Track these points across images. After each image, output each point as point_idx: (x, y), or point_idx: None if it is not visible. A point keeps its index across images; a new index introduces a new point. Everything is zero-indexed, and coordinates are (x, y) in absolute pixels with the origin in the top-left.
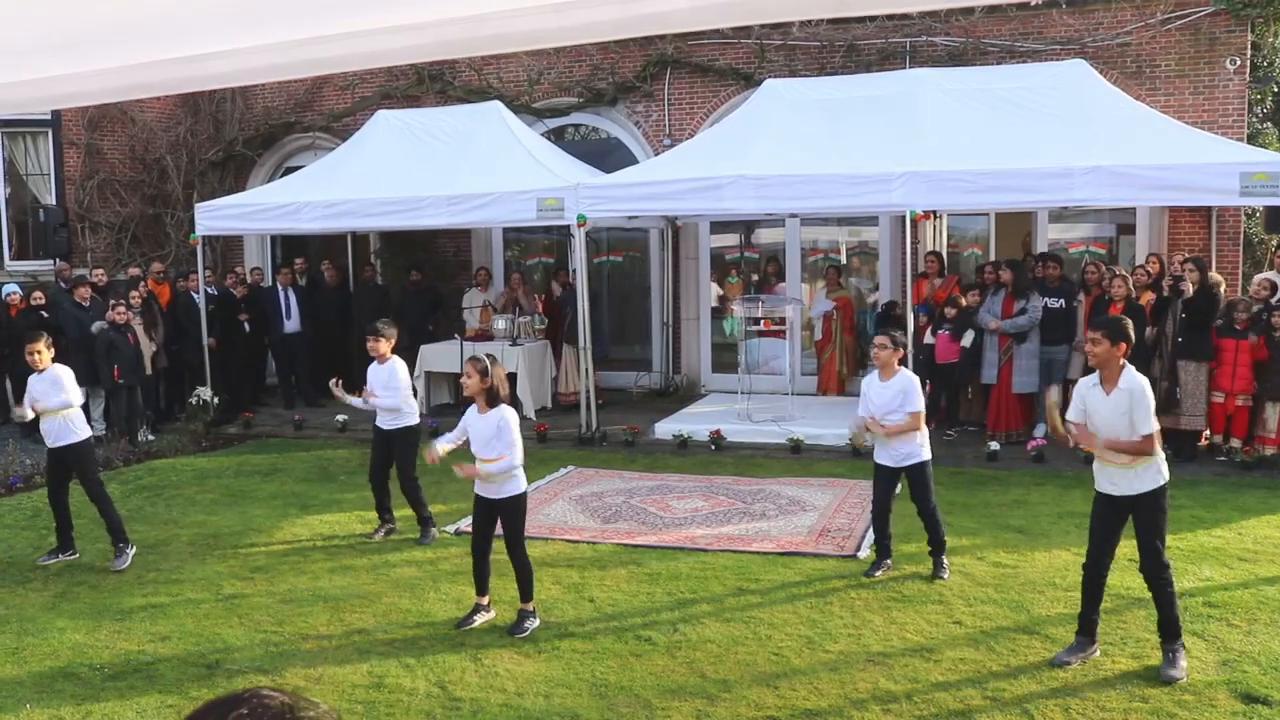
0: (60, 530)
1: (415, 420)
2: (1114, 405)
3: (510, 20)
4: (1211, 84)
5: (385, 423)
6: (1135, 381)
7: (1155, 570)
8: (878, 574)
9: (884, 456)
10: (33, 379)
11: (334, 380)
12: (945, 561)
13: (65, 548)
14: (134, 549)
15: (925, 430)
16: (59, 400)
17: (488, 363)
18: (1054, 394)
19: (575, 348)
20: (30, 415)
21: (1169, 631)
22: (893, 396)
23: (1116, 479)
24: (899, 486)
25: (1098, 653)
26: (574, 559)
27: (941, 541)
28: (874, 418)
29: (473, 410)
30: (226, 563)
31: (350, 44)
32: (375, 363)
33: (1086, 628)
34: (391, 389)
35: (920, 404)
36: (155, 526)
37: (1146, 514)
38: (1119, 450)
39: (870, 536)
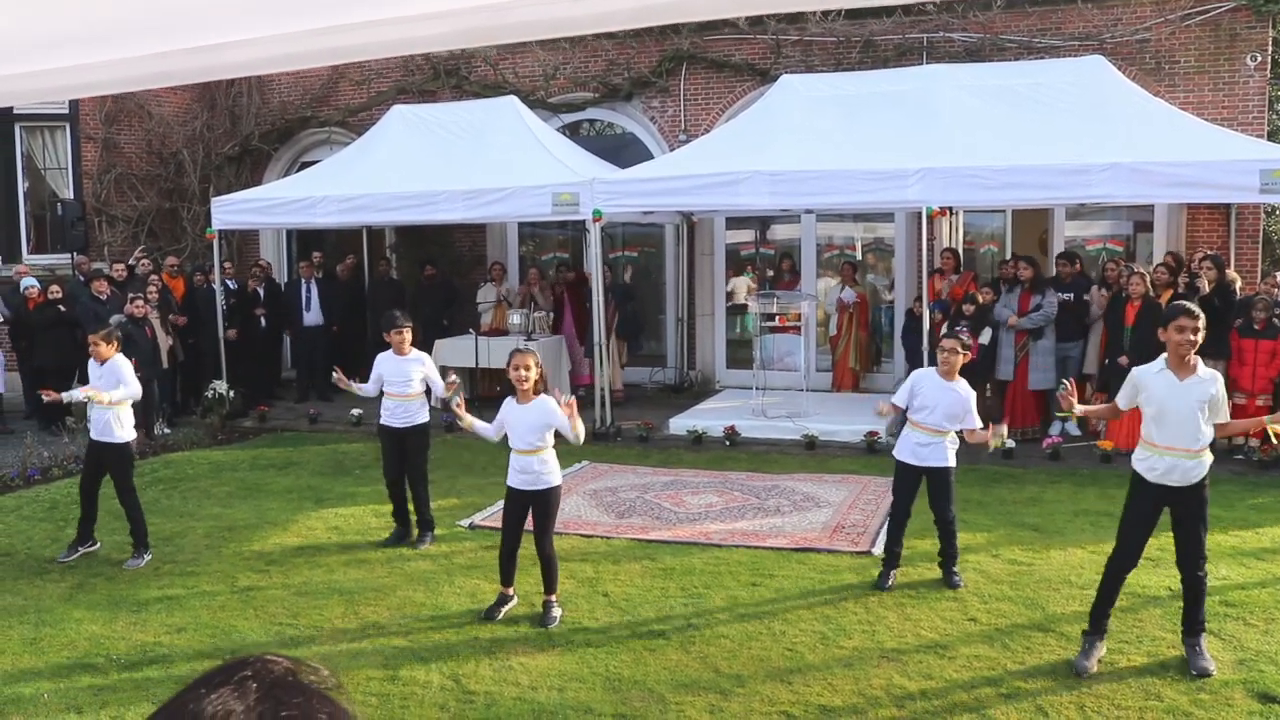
0: (83, 522)
1: (428, 418)
2: (1188, 391)
3: (533, 8)
4: (1232, 80)
5: (398, 420)
6: (1212, 373)
7: (1198, 562)
8: (888, 585)
9: (908, 454)
10: (95, 371)
11: (336, 373)
12: (958, 572)
13: (84, 540)
14: (150, 555)
15: (955, 439)
16: (120, 391)
17: (536, 354)
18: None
19: (623, 341)
20: (80, 397)
21: (1196, 627)
22: (955, 402)
23: (1177, 469)
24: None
25: (1104, 650)
26: (588, 553)
27: (954, 554)
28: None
29: (511, 404)
30: (242, 555)
31: (371, 32)
32: (390, 353)
33: (1098, 626)
34: (412, 383)
35: (978, 421)
36: (171, 519)
37: (1194, 504)
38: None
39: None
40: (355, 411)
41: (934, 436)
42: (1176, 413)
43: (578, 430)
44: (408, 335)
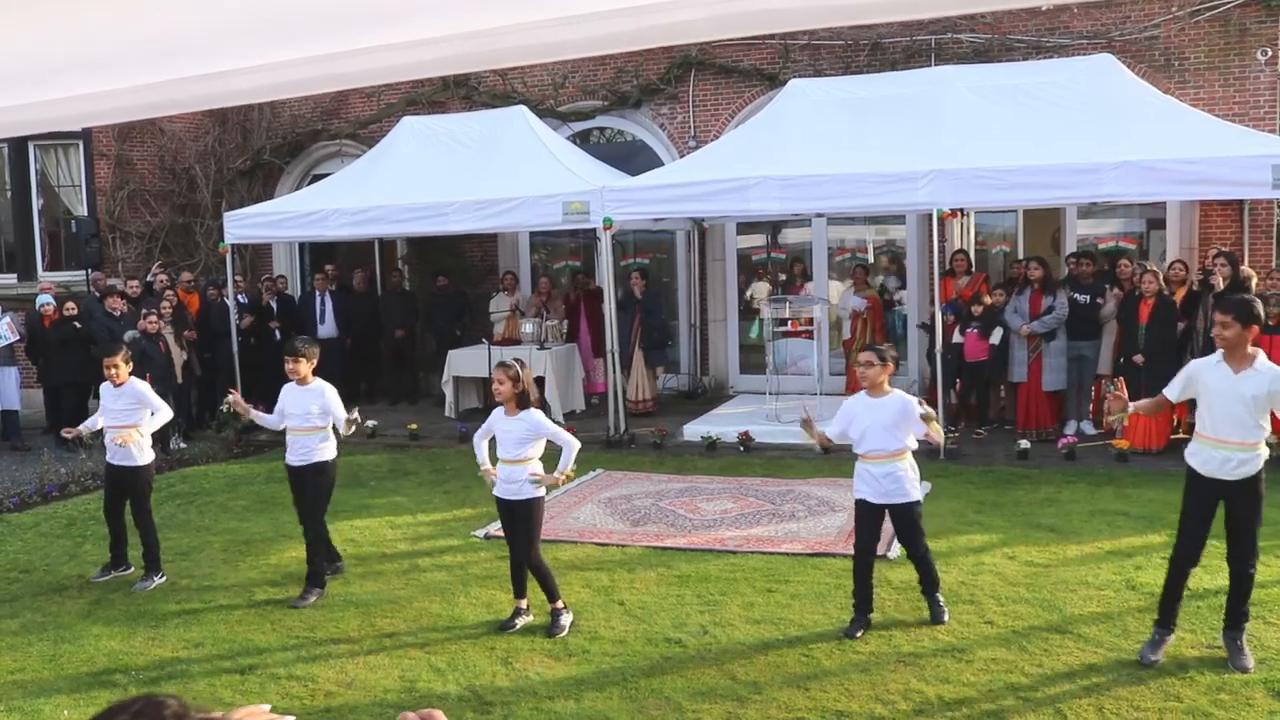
0: (114, 545)
1: (333, 455)
2: (1242, 384)
3: (529, 33)
4: (1242, 76)
5: (296, 457)
6: (1273, 368)
7: (1248, 558)
8: (859, 635)
9: (866, 490)
10: (109, 394)
11: (232, 395)
12: (942, 600)
13: (119, 564)
14: (163, 579)
15: (916, 467)
16: (141, 416)
17: (518, 367)
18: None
19: (645, 352)
20: (96, 427)
21: (1240, 620)
22: (895, 414)
23: (1227, 462)
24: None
25: (1171, 640)
26: (603, 562)
27: (935, 580)
28: (824, 433)
29: (500, 413)
30: (258, 569)
31: (372, 59)
32: (293, 384)
33: (1166, 620)
34: (311, 416)
35: (923, 426)
36: (188, 533)
37: (1246, 500)
38: None
39: (895, 533)
40: (370, 423)
41: (888, 464)
42: (1227, 404)
43: (568, 455)
44: (303, 365)
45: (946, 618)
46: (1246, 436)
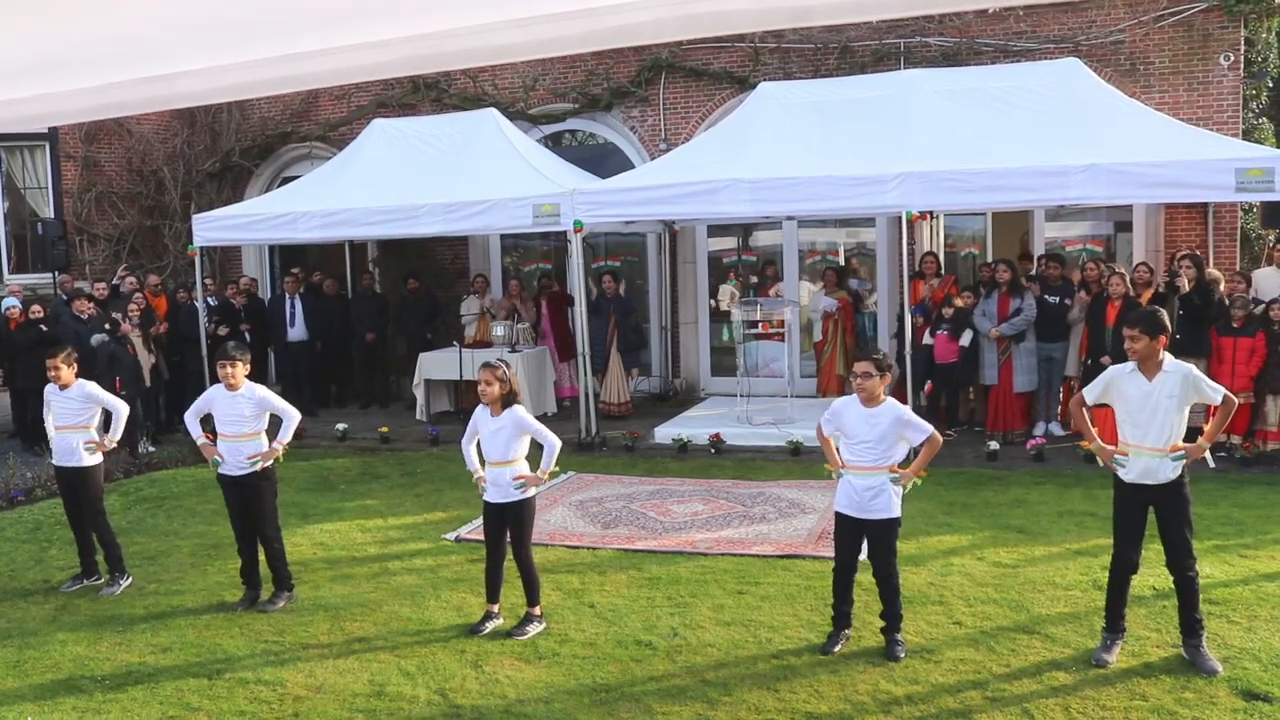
0: (82, 554)
1: (271, 461)
2: (1158, 389)
3: (476, 36)
4: (1206, 80)
5: (231, 467)
6: (1181, 366)
7: (1185, 560)
8: (836, 650)
9: (846, 504)
10: (56, 396)
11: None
12: (900, 640)
13: (89, 573)
14: (130, 580)
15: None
16: (92, 417)
17: (504, 368)
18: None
19: (622, 355)
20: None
21: (1194, 627)
22: (888, 426)
23: (1151, 468)
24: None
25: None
26: (574, 564)
27: (897, 615)
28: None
29: (483, 413)
30: (227, 573)
31: (320, 61)
32: (221, 387)
33: (1114, 625)
34: (245, 420)
35: (928, 425)
36: (156, 538)
37: (1173, 503)
38: (1216, 431)
39: (866, 549)
40: (340, 426)
41: (872, 476)
42: (1147, 412)
43: (549, 456)
44: (238, 370)
45: (902, 655)
46: (1163, 442)
